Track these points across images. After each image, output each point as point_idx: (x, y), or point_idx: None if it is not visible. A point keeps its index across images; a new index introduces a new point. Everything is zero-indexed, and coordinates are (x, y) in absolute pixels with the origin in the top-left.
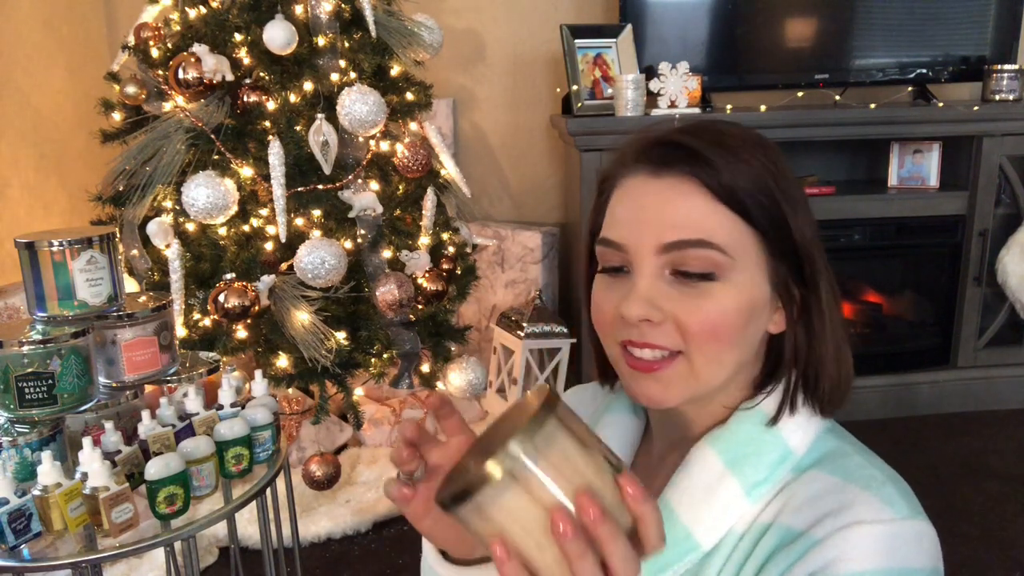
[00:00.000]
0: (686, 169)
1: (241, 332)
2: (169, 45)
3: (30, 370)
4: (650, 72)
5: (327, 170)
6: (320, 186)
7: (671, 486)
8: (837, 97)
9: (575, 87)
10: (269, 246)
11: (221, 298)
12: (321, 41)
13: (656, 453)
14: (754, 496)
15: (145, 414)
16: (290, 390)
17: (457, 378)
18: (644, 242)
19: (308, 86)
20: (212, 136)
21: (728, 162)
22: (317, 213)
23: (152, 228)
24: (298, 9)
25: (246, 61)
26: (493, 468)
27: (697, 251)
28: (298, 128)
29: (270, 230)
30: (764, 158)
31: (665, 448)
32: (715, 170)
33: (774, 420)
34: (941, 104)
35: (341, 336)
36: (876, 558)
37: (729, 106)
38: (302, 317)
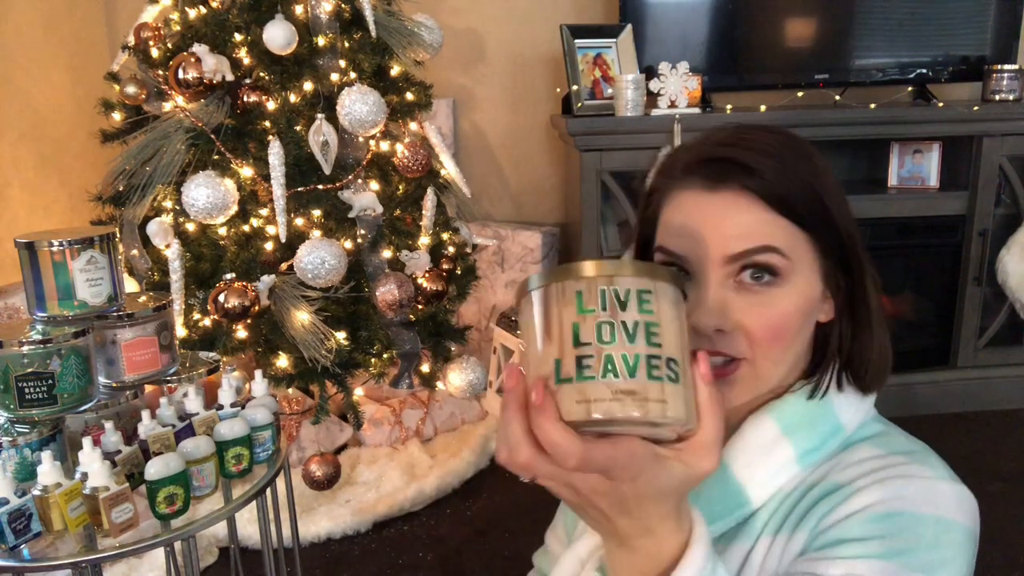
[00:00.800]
0: (740, 183)
1: (241, 332)
2: (169, 45)
3: (30, 370)
4: (650, 72)
5: (327, 170)
6: (320, 186)
7: (727, 448)
8: (837, 97)
9: (575, 87)
10: (269, 246)
11: (221, 298)
12: (321, 41)
13: None
14: (805, 462)
15: (145, 414)
16: (290, 390)
17: (457, 378)
18: (709, 253)
19: (308, 86)
20: (212, 136)
21: (776, 171)
22: (317, 213)
23: (152, 228)
24: (298, 9)
25: (246, 61)
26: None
27: (763, 256)
28: (298, 128)
29: (270, 230)
30: (806, 161)
31: None
32: (766, 181)
33: (824, 393)
34: (941, 104)
35: (341, 336)
36: (916, 503)
37: (729, 106)
38: (302, 317)
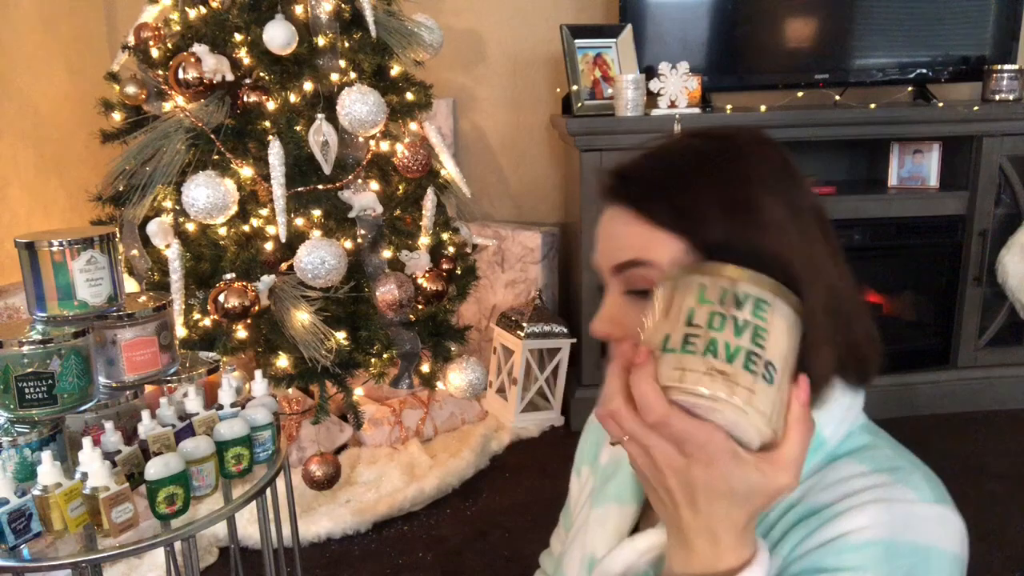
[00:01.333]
0: (625, 198)
1: (241, 332)
2: (169, 45)
3: (30, 370)
4: (650, 72)
5: (327, 170)
6: (320, 186)
7: None
8: (837, 97)
9: (575, 87)
10: (269, 246)
11: (221, 298)
12: (321, 41)
13: None
14: None
15: (145, 414)
16: (290, 390)
17: (457, 378)
18: (603, 265)
19: (308, 86)
20: (212, 136)
21: (661, 185)
22: (317, 213)
23: (152, 228)
24: (298, 9)
25: (246, 61)
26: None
27: (637, 271)
28: (298, 128)
29: (270, 230)
30: (708, 172)
31: None
32: (647, 195)
33: None
34: (941, 104)
35: (341, 336)
36: (894, 531)
37: (729, 106)
38: (302, 317)
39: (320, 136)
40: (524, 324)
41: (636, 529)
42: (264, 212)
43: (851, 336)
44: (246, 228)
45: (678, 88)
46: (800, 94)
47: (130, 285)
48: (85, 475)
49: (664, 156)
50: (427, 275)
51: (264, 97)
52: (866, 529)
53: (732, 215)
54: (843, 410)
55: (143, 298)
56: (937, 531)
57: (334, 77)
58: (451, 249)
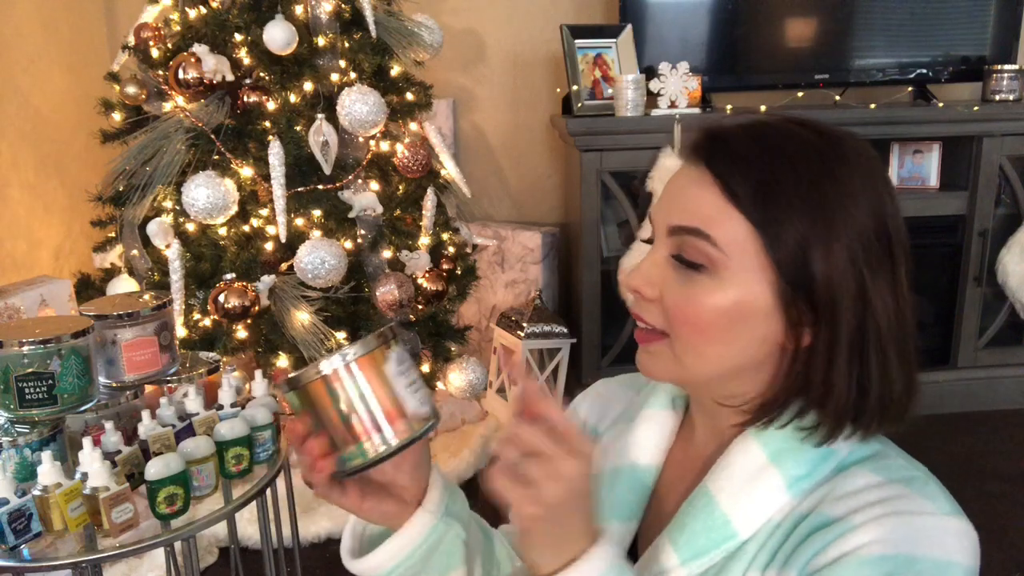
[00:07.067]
0: (709, 161)
1: (241, 332)
2: (169, 45)
3: (30, 370)
4: (650, 72)
5: (327, 170)
6: (320, 186)
7: (712, 474)
8: (837, 97)
9: (575, 87)
10: (269, 246)
11: (221, 298)
12: (321, 41)
13: (696, 444)
14: (795, 490)
15: (145, 414)
16: None
17: (457, 378)
18: (660, 221)
19: (308, 86)
20: (212, 136)
21: (752, 164)
22: (317, 213)
23: (152, 228)
24: (298, 9)
25: (246, 61)
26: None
27: (693, 240)
28: (298, 128)
29: (270, 230)
30: (803, 169)
31: (704, 440)
32: (734, 168)
33: (785, 423)
34: (941, 104)
35: (341, 336)
36: (911, 545)
37: (729, 106)
38: (302, 317)
39: (320, 136)
40: (524, 324)
41: (635, 544)
42: (264, 212)
43: (879, 376)
44: (246, 228)
45: (678, 88)
46: (800, 94)
47: (130, 285)
48: (85, 475)
49: (763, 134)
50: (427, 275)
51: (264, 97)
52: (884, 541)
53: (813, 220)
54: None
55: (143, 298)
56: (955, 544)
57: (334, 77)
58: (451, 249)
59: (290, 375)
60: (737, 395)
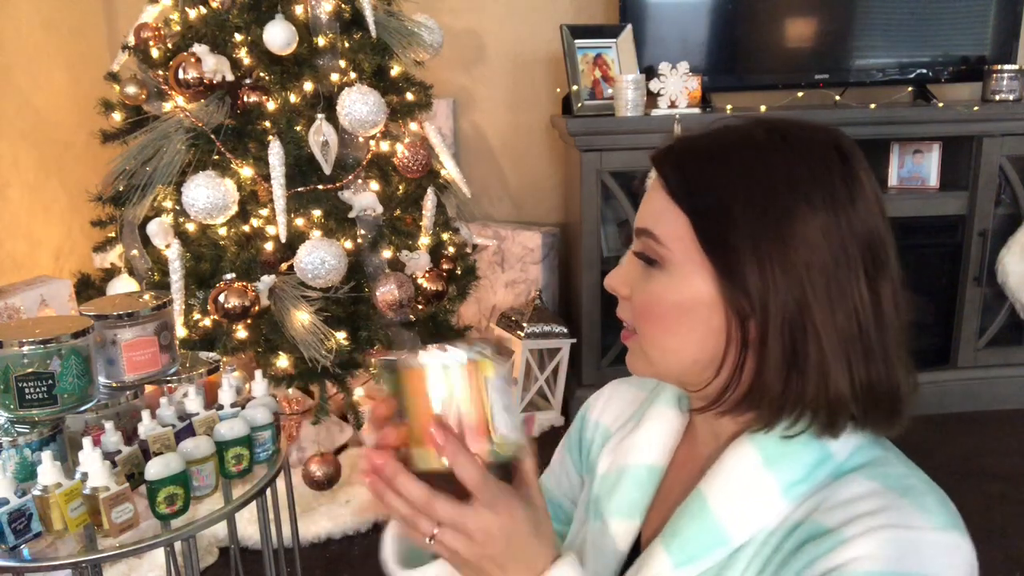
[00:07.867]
0: (660, 165)
1: (241, 332)
2: (169, 45)
3: (30, 370)
4: (650, 72)
5: (327, 170)
6: (320, 186)
7: (706, 479)
8: (837, 97)
9: (575, 87)
10: (269, 246)
11: (221, 298)
12: (321, 41)
13: (697, 445)
14: (791, 495)
15: (145, 414)
16: (290, 390)
17: None
18: (635, 225)
19: (308, 86)
20: (212, 136)
21: (690, 161)
22: (317, 213)
23: (152, 228)
24: (298, 9)
25: (246, 61)
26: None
27: (646, 239)
28: (298, 128)
29: (270, 230)
30: (737, 161)
31: (704, 441)
32: (676, 167)
33: (770, 425)
34: (941, 104)
35: (341, 336)
36: (901, 562)
37: (729, 106)
38: (302, 317)
39: (320, 136)
40: (524, 324)
41: (638, 543)
42: (264, 212)
43: (865, 375)
44: (246, 228)
45: (678, 88)
46: (800, 94)
47: (130, 285)
48: (85, 475)
49: (717, 134)
50: (427, 275)
51: (264, 97)
52: (871, 559)
53: (756, 215)
54: (853, 422)
55: (143, 298)
56: (943, 561)
57: (334, 77)
58: (451, 249)
59: (391, 356)
60: (709, 391)
